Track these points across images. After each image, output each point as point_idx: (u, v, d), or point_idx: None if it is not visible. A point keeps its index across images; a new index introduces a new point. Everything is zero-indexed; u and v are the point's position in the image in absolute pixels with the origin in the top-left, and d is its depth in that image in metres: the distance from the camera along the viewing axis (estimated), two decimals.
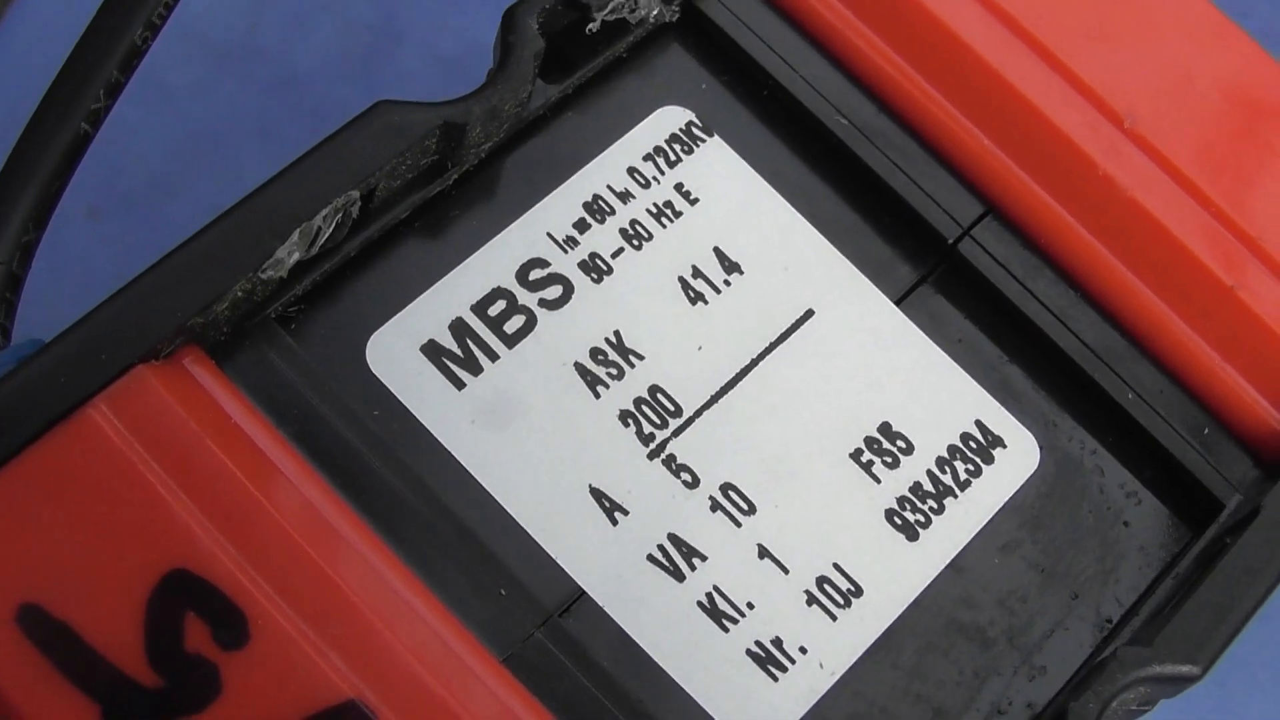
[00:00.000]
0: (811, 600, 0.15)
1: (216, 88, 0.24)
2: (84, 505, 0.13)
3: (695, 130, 0.17)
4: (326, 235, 0.15)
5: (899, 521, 0.16)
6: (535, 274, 0.16)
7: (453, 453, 0.15)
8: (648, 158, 0.17)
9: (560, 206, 0.17)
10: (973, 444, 0.16)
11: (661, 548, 0.15)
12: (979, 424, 0.17)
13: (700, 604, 0.15)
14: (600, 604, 0.15)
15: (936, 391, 0.17)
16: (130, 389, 0.14)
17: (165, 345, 0.14)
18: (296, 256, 0.15)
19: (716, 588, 0.15)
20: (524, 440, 0.15)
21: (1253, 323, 0.17)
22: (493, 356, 0.16)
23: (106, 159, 0.22)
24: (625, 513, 0.15)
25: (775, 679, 0.15)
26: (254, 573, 0.13)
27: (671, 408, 0.16)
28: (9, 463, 0.14)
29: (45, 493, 0.13)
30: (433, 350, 0.16)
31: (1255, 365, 0.17)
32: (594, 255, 0.16)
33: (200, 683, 0.13)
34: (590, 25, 0.16)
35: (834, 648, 0.15)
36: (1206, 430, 0.17)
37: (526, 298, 0.16)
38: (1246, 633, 0.16)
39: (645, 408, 0.16)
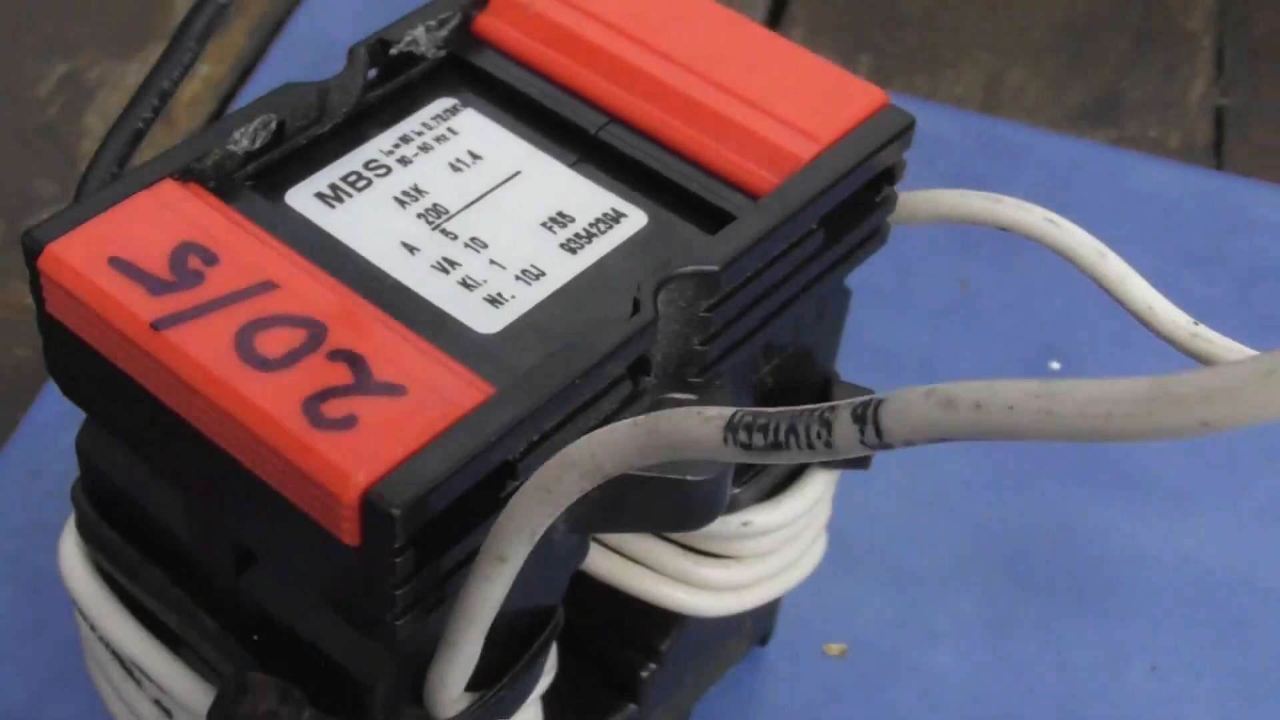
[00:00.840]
0: (520, 278, 0.30)
1: None
2: (145, 222, 0.29)
3: (458, 107, 0.33)
4: (260, 139, 0.31)
5: (568, 248, 0.31)
6: (371, 165, 0.32)
7: (332, 233, 0.30)
8: (434, 118, 0.33)
9: (385, 140, 0.32)
10: (608, 218, 0.31)
11: (440, 261, 0.30)
12: (613, 209, 0.31)
13: (460, 282, 0.30)
14: (410, 286, 0.30)
15: (590, 199, 0.31)
16: (165, 186, 0.29)
17: (179, 177, 0.30)
18: (245, 145, 0.31)
19: (468, 275, 0.30)
20: (367, 227, 0.30)
21: (742, 130, 0.32)
22: (349, 196, 0.31)
23: None
24: (420, 250, 0.30)
25: (497, 309, 0.29)
26: (232, 239, 0.28)
27: (445, 211, 0.31)
28: (99, 215, 0.29)
29: (125, 220, 0.29)
30: (320, 196, 0.31)
31: (744, 148, 0.31)
32: (403, 157, 0.32)
33: (193, 278, 0.28)
34: (392, 51, 0.33)
35: (529, 296, 0.30)
36: (725, 194, 0.31)
37: (367, 174, 0.31)
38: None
39: (430, 213, 0.31)
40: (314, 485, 0.26)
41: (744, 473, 0.35)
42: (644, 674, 0.38)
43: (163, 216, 0.29)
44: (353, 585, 0.27)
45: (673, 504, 0.30)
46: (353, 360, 0.27)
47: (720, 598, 0.37)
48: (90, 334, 0.28)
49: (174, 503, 0.30)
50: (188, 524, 0.30)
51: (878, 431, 0.19)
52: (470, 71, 0.34)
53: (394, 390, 0.27)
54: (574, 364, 0.27)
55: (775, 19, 0.64)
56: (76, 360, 0.29)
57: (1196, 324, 0.32)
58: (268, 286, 0.28)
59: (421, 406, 0.26)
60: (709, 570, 0.36)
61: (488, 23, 0.34)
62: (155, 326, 0.27)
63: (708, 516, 0.31)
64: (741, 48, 0.33)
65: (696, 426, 0.21)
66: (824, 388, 0.36)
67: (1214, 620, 0.45)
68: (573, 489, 0.24)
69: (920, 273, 0.52)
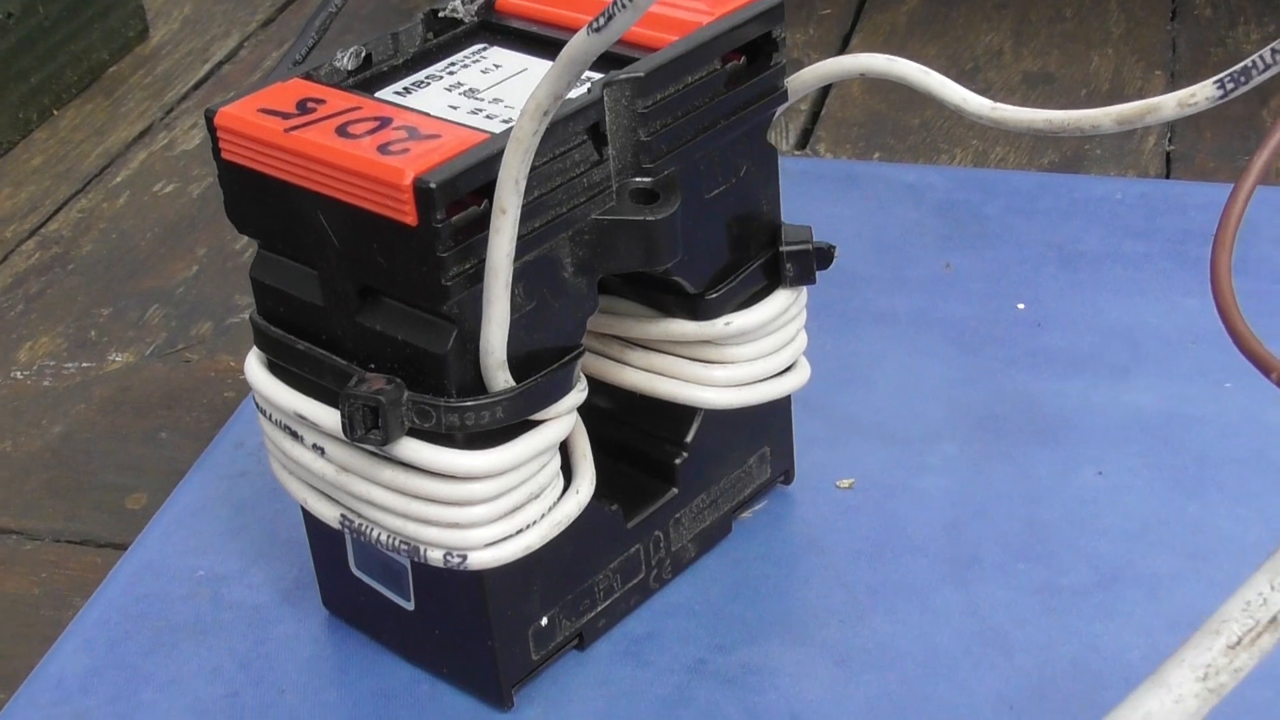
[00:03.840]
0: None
1: None
2: (280, 95, 0.45)
3: (486, 47, 0.50)
4: (354, 63, 0.48)
5: None
6: (431, 77, 0.48)
7: (404, 104, 0.47)
8: (471, 53, 0.49)
9: (439, 66, 0.49)
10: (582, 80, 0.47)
11: (473, 110, 0.46)
12: (585, 75, 0.47)
13: (485, 116, 0.46)
14: (453, 119, 0.46)
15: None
16: (295, 82, 0.46)
17: (303, 78, 0.46)
18: (346, 65, 0.47)
19: (490, 113, 0.46)
20: (427, 103, 0.47)
21: (664, 20, 0.47)
22: (416, 91, 0.47)
23: None
24: (459, 108, 0.46)
25: (506, 124, 0.45)
26: (335, 96, 0.45)
27: (477, 90, 0.47)
28: (250, 95, 0.45)
29: (268, 96, 0.45)
30: (397, 92, 0.47)
31: (667, 28, 0.47)
32: (451, 71, 0.48)
33: (310, 111, 0.44)
34: (441, 13, 0.50)
35: None
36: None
37: (428, 81, 0.48)
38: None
39: (468, 92, 0.47)
40: (385, 186, 0.41)
41: (719, 281, 0.49)
42: (678, 461, 0.51)
43: (292, 91, 0.45)
44: (419, 263, 0.42)
45: (642, 242, 0.45)
46: (409, 130, 0.43)
47: (723, 393, 0.51)
48: (248, 156, 0.44)
49: (311, 283, 0.45)
50: (321, 289, 0.45)
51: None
52: (494, 29, 0.50)
53: (433, 138, 0.42)
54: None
55: (801, 145, 0.80)
56: (242, 191, 0.45)
57: (995, 106, 0.47)
58: (357, 109, 0.44)
59: (447, 143, 0.42)
60: (713, 370, 0.50)
61: (504, 1, 0.51)
62: (287, 131, 0.43)
63: (669, 253, 0.45)
64: None
65: (578, 38, 0.37)
66: (774, 231, 0.51)
67: (1148, 439, 0.56)
68: (529, 131, 0.39)
69: (912, 258, 0.66)
